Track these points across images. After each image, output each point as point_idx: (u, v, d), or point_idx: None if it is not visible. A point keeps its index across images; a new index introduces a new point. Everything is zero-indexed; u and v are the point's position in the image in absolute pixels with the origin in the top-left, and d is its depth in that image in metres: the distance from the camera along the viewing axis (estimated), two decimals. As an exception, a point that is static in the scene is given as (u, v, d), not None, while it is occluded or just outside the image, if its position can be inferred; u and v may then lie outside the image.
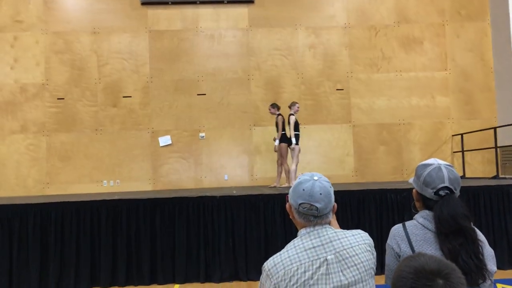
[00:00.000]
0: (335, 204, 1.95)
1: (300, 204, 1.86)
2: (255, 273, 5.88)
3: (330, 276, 1.77)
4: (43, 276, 5.87)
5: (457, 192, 2.01)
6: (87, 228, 5.94)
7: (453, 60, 10.40)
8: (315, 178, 1.89)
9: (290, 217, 1.97)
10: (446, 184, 1.98)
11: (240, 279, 5.97)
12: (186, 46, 10.17)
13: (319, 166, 9.90)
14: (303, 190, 1.86)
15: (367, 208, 6.18)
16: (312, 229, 1.87)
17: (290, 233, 5.91)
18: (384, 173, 10.11)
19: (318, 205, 1.83)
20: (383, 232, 6.02)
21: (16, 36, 9.94)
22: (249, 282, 5.88)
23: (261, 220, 6.06)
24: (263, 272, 1.88)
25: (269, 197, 6.14)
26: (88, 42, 10.04)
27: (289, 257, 1.82)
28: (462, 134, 9.93)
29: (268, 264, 1.85)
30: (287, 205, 1.97)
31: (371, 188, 6.50)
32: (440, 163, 2.05)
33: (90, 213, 5.97)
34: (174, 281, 5.95)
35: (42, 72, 9.91)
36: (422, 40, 10.40)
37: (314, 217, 1.86)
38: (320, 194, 1.84)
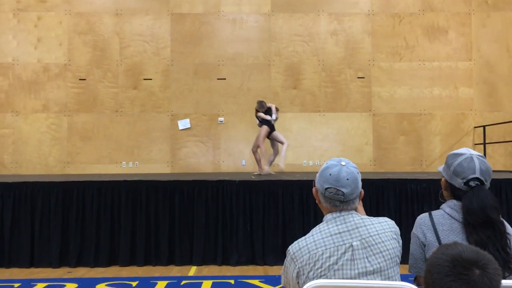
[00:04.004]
0: (362, 191, 1.94)
1: (326, 189, 1.85)
2: (271, 258, 5.91)
3: (355, 262, 1.77)
4: (63, 253, 5.97)
5: (488, 184, 1.99)
6: (108, 208, 6.01)
7: (478, 51, 10.19)
8: (343, 163, 1.88)
9: (316, 201, 1.96)
10: (477, 175, 1.96)
11: (257, 264, 5.99)
12: (208, 30, 10.14)
13: (337, 154, 9.84)
14: (330, 174, 1.85)
15: (386, 197, 6.14)
16: (338, 214, 1.86)
17: (307, 220, 5.92)
18: (402, 163, 10.01)
19: (344, 190, 1.83)
20: (402, 222, 5.96)
21: (39, 16, 10.02)
22: (265, 267, 5.90)
23: (279, 206, 6.06)
24: (287, 255, 1.88)
25: (287, 183, 6.14)
26: (110, 24, 10.07)
27: (314, 241, 1.81)
28: (484, 126, 9.75)
29: (293, 248, 1.85)
30: (313, 190, 1.96)
31: (390, 177, 6.45)
32: (472, 153, 2.02)
33: (111, 192, 6.03)
34: (191, 263, 6.00)
35: (64, 53, 10.00)
36: (447, 29, 10.19)
37: (340, 202, 1.85)
38: (347, 179, 1.84)
